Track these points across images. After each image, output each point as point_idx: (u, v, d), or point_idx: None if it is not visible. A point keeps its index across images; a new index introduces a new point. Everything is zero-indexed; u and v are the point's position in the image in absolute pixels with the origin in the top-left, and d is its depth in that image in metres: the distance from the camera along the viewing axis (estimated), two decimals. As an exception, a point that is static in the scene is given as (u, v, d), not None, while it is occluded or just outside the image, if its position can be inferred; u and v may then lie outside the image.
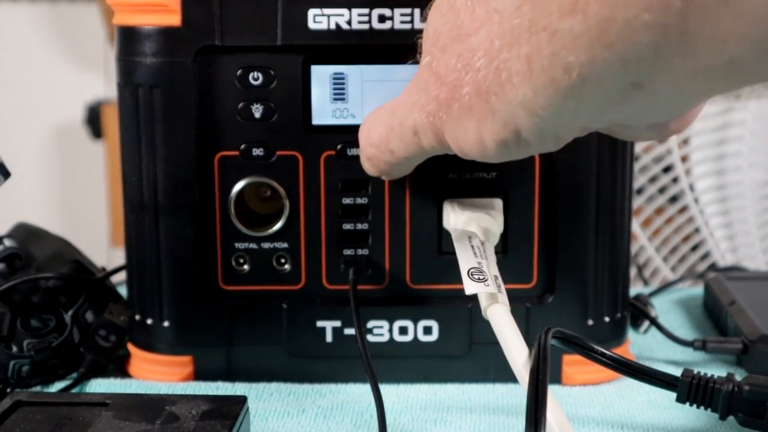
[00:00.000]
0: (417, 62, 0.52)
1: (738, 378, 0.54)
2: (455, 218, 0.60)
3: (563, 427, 0.46)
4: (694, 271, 1.03)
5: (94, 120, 1.80)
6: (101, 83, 1.83)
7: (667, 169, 1.01)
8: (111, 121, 1.79)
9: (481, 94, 0.44)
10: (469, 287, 0.53)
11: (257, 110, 0.60)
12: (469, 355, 0.63)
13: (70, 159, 1.87)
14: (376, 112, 0.55)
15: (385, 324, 0.62)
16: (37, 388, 0.62)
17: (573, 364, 0.63)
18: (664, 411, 0.58)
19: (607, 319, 0.63)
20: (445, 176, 0.61)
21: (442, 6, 0.48)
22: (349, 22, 0.58)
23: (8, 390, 0.60)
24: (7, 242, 0.70)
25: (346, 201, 0.61)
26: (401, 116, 0.52)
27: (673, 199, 1.03)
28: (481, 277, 0.53)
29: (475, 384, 0.63)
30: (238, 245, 0.62)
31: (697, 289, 0.83)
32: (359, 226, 0.62)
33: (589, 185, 0.61)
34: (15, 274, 0.67)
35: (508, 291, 0.55)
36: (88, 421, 0.50)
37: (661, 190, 1.02)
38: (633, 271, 0.97)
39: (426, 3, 0.56)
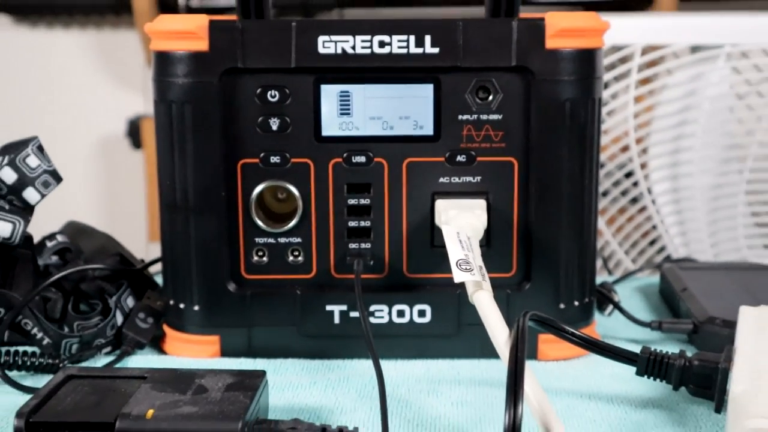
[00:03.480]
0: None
1: (689, 354, 0.53)
2: (446, 216, 0.59)
3: (539, 397, 0.45)
4: (651, 262, 1.03)
5: (134, 132, 1.80)
6: (141, 100, 1.83)
7: (628, 175, 1.01)
8: (149, 133, 1.79)
9: None
10: (458, 276, 0.53)
11: (274, 123, 0.60)
12: (458, 335, 0.62)
13: (113, 166, 1.87)
14: None
15: (385, 308, 0.62)
16: (86, 364, 0.62)
17: (547, 342, 0.62)
18: (626, 383, 0.58)
19: (576, 303, 0.63)
20: (437, 180, 0.61)
21: None
22: (353, 47, 0.58)
23: (61, 365, 0.59)
24: (60, 238, 0.70)
25: (351, 201, 0.61)
26: None
27: (634, 201, 1.02)
28: (468, 267, 0.53)
29: (463, 360, 0.63)
30: (258, 240, 0.62)
31: (654, 278, 0.82)
32: (362, 224, 0.62)
33: (561, 188, 0.61)
34: (66, 265, 0.67)
35: (491, 279, 0.55)
36: (129, 392, 0.50)
37: (624, 193, 1.02)
38: (599, 263, 0.96)
39: (419, 30, 0.56)
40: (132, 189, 1.86)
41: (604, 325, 0.70)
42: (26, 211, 0.60)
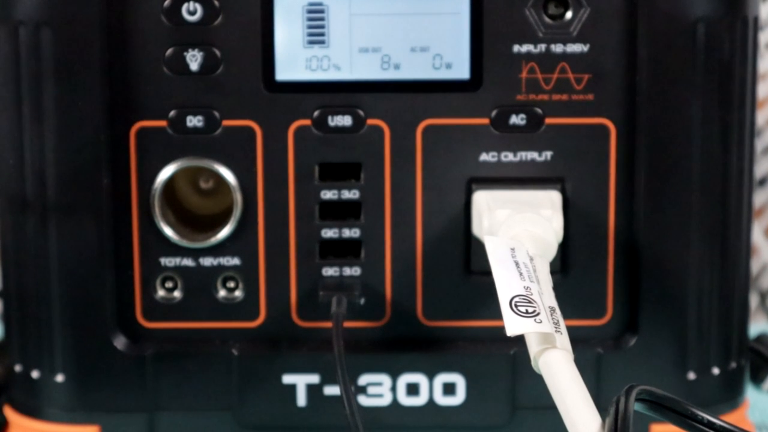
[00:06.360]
0: None
1: None
2: (491, 220, 0.58)
3: None
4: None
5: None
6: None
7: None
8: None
9: None
10: (513, 325, 0.50)
11: (194, 59, 0.60)
12: (511, 425, 0.62)
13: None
14: None
15: (385, 379, 0.62)
16: None
17: (667, 438, 0.62)
18: None
19: (715, 370, 0.62)
20: (476, 158, 0.60)
21: None
22: None
23: None
24: None
25: (328, 195, 0.61)
26: None
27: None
28: (531, 309, 0.51)
29: (520, 468, 0.64)
30: (165, 261, 0.62)
31: None
32: (347, 233, 0.62)
33: (690, 173, 0.60)
34: None
35: (572, 329, 0.53)
36: None
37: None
38: (753, 301, 1.00)
39: None
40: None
41: (763, 408, 0.70)
42: None
